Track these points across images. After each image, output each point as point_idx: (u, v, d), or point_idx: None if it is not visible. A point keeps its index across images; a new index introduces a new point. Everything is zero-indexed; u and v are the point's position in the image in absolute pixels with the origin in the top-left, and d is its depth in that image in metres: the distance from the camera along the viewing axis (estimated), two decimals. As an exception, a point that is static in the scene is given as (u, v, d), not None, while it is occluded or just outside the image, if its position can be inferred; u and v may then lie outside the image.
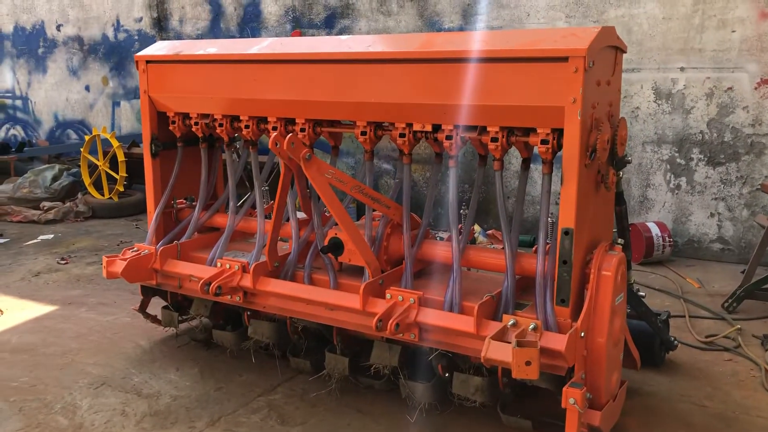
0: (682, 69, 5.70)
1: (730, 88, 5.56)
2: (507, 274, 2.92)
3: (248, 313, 3.66)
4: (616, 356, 2.93)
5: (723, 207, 5.76)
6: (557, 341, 2.59)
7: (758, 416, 3.19)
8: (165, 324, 4.02)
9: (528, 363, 2.47)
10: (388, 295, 2.97)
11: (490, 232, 6.37)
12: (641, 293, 3.53)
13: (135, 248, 3.78)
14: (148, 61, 3.75)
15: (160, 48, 3.79)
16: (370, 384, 3.41)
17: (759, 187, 5.55)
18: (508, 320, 2.70)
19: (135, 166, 7.85)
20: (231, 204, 3.78)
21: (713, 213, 5.81)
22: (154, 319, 4.09)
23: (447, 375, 3.10)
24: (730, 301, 4.55)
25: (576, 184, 2.64)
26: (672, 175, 5.91)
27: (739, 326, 4.17)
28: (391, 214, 3.28)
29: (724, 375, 3.63)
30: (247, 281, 3.35)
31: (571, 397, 2.54)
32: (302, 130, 3.35)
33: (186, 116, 3.77)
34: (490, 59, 2.77)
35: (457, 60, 2.83)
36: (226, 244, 3.70)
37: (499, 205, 2.97)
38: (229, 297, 3.44)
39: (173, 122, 3.80)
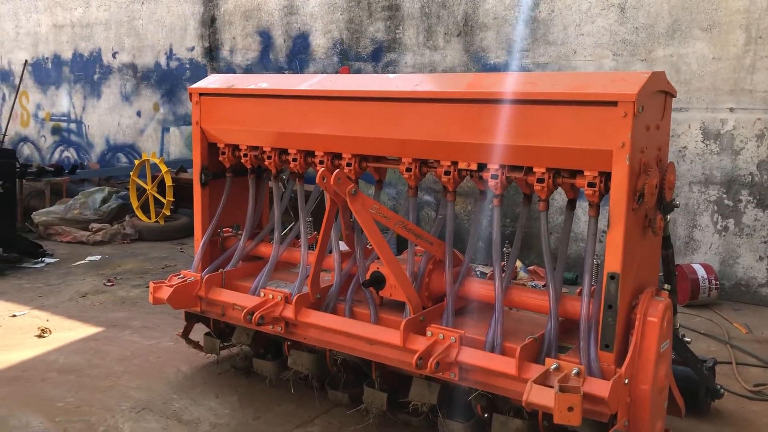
0: (731, 109, 5.63)
1: (781, 130, 5.47)
2: (550, 317, 2.90)
3: (288, 343, 3.69)
4: (661, 404, 2.87)
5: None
6: (601, 387, 2.56)
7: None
8: (207, 350, 4.07)
9: (570, 409, 2.44)
10: (429, 333, 2.97)
11: (531, 268, 6.33)
12: (686, 338, 3.46)
13: (181, 275, 3.85)
14: (201, 94, 3.86)
15: (213, 81, 3.91)
16: (408, 421, 3.40)
17: (811, 231, 5.41)
18: (551, 364, 2.68)
19: (182, 191, 8.05)
20: (276, 234, 3.84)
21: (762, 256, 5.68)
22: (196, 345, 4.15)
23: (486, 416, 3.08)
24: (779, 349, 4.43)
25: (623, 228, 2.62)
26: (719, 217, 5.80)
27: (788, 376, 4.05)
28: (433, 250, 3.29)
29: (772, 427, 3.52)
30: (289, 312, 3.39)
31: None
32: (348, 164, 3.40)
33: (236, 148, 3.86)
34: (537, 101, 2.79)
35: (504, 101, 2.86)
36: (269, 274, 3.76)
37: (543, 246, 2.96)
38: (270, 327, 3.48)
39: (223, 153, 3.89)
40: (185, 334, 4.10)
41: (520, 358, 2.73)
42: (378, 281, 3.33)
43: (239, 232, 4.15)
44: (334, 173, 2.95)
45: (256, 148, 3.77)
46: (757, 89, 5.53)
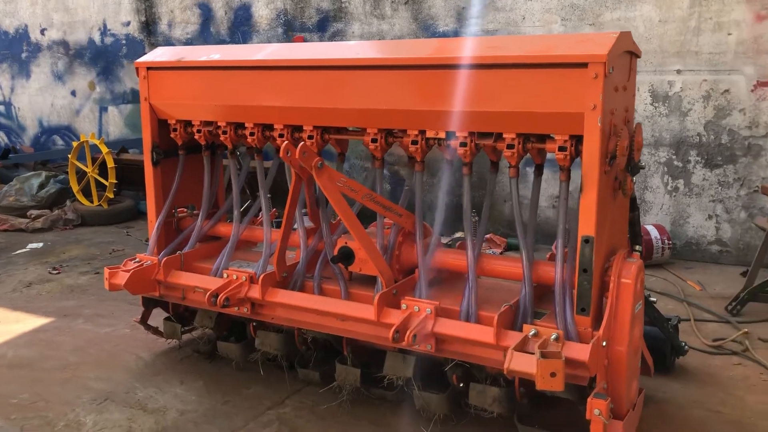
0: (678, 72, 5.71)
1: (726, 91, 5.58)
2: (525, 283, 2.87)
3: (254, 324, 3.58)
4: (635, 364, 2.90)
5: (721, 209, 5.77)
6: (580, 351, 2.55)
7: (773, 423, 3.17)
8: (167, 336, 3.93)
9: (553, 374, 2.42)
10: (403, 306, 2.92)
11: (488, 236, 6.34)
12: (652, 298, 3.51)
13: (137, 259, 3.69)
14: (149, 68, 3.67)
15: (161, 54, 3.71)
16: (382, 395, 3.35)
17: (756, 188, 5.57)
18: (529, 330, 2.66)
19: (124, 172, 7.76)
20: (235, 212, 3.71)
21: (711, 215, 5.82)
22: (155, 330, 4.00)
23: (462, 385, 3.05)
24: (734, 304, 4.55)
25: (596, 191, 2.61)
26: (669, 178, 5.91)
27: (746, 330, 4.16)
28: (402, 222, 3.22)
29: (734, 380, 3.61)
30: (255, 292, 3.28)
31: (596, 408, 2.50)
32: (310, 137, 3.29)
33: (188, 124, 3.69)
34: (505, 65, 2.73)
35: (471, 66, 2.79)
36: (230, 254, 3.63)
37: (515, 212, 2.93)
38: (236, 309, 3.37)
39: (174, 130, 3.72)
40: (143, 321, 3.95)
41: (498, 325, 2.70)
42: (347, 256, 3.25)
43: (194, 212, 4.00)
44: (299, 146, 2.83)
45: (210, 123, 3.62)
46: (703, 51, 5.61)
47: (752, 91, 5.49)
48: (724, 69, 5.56)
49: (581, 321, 2.70)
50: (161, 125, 3.77)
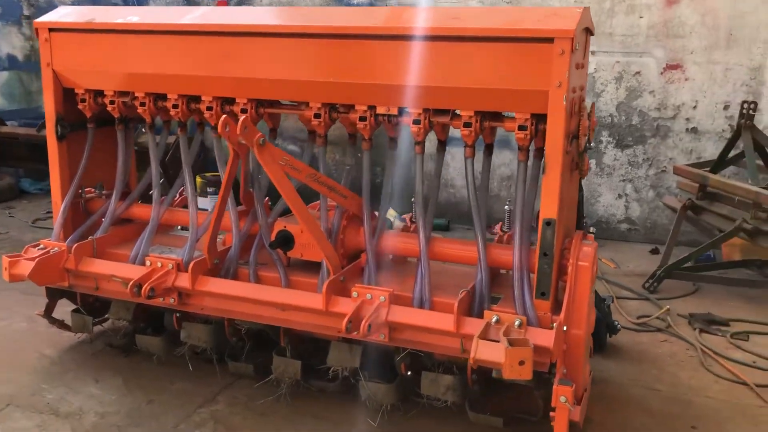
0: (593, 53, 5.79)
1: (638, 73, 5.72)
2: (480, 267, 2.76)
3: (177, 315, 3.28)
4: (587, 347, 2.87)
5: (630, 188, 5.95)
6: (545, 337, 2.48)
7: (707, 396, 3.26)
8: (76, 329, 3.55)
9: (522, 363, 2.33)
10: (354, 293, 2.74)
11: (404, 216, 6.22)
12: (590, 279, 3.50)
13: (41, 245, 3.28)
14: (52, 29, 3.24)
15: (67, 14, 3.29)
16: (323, 387, 3.16)
17: (664, 168, 5.77)
18: (490, 317, 2.56)
19: (2, 146, 7.05)
20: (155, 193, 3.37)
21: (621, 194, 5.99)
22: (61, 324, 3.59)
23: (410, 374, 2.92)
24: (651, 281, 4.68)
25: (560, 172, 2.52)
26: (582, 157, 6.01)
27: (668, 307, 4.28)
28: (347, 204, 3.03)
29: (664, 356, 3.69)
30: (184, 281, 3.00)
31: (562, 395, 2.43)
32: (243, 111, 3.02)
33: (99, 94, 3.31)
34: (464, 38, 2.57)
35: (429, 38, 2.62)
36: (150, 239, 3.30)
37: (470, 194, 2.81)
38: (161, 299, 3.06)
39: (83, 100, 3.32)
40: (48, 313, 3.53)
41: (458, 313, 2.58)
42: (286, 241, 3.03)
43: (104, 192, 3.62)
44: (241, 120, 2.56)
45: (126, 93, 3.25)
46: (616, 32, 5.72)
47: (662, 73, 5.66)
48: (636, 51, 5.69)
49: (541, 305, 2.63)
50: (67, 95, 3.35)
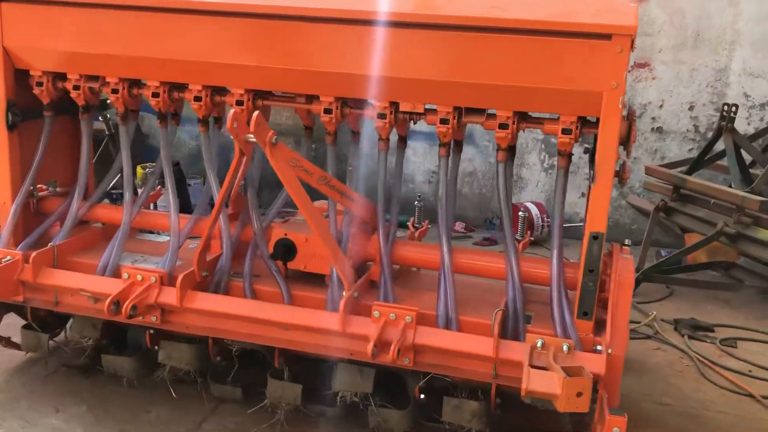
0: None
1: (605, 70, 5.63)
2: (513, 283, 2.52)
3: (151, 332, 2.88)
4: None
5: (593, 187, 5.87)
6: (596, 363, 2.27)
7: (718, 411, 3.16)
8: (27, 348, 3.08)
9: (579, 394, 2.10)
10: (375, 313, 2.43)
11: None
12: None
13: (-10, 255, 2.80)
14: (3, 0, 2.74)
15: (20, -18, 2.80)
16: (322, 412, 2.86)
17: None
18: (534, 340, 2.31)
19: None
20: (127, 194, 2.94)
21: (584, 193, 5.90)
22: (8, 342, 3.11)
23: (422, 397, 2.66)
24: (629, 284, 4.59)
25: (611, 181, 2.32)
26: (546, 155, 5.91)
27: (654, 313, 4.20)
28: (357, 210, 2.72)
29: (662, 367, 3.60)
30: (170, 297, 2.60)
31: (616, 427, 2.22)
32: (239, 103, 2.65)
33: (59, 77, 2.84)
34: (508, 30, 2.30)
35: (467, 29, 2.33)
36: (122, 246, 2.87)
37: (501, 198, 2.57)
38: (140, 318, 2.65)
39: (39, 84, 2.84)
40: (-7, 331, 3.05)
41: (497, 335, 2.33)
42: (288, 251, 2.69)
43: (58, 190, 3.16)
44: (255, 116, 2.20)
45: (95, 78, 2.80)
46: (584, 28, 5.60)
47: (629, 71, 5.59)
48: (604, 48, 5.59)
49: (583, 326, 2.41)
50: (18, 77, 2.87)
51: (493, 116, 2.45)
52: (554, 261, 2.48)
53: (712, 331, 4.06)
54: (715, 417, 3.10)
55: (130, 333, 3.03)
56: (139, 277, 2.64)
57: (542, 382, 2.13)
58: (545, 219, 5.65)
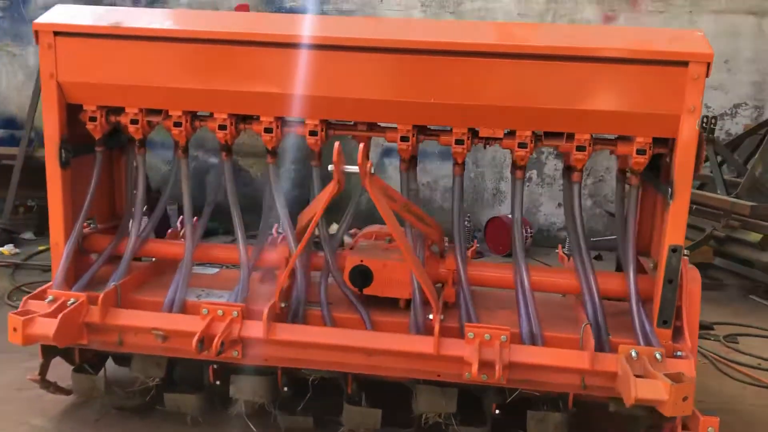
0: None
1: (578, 86, 5.90)
2: (593, 298, 2.65)
3: (215, 367, 2.84)
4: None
5: (569, 197, 6.13)
6: (687, 368, 2.41)
7: (750, 405, 3.39)
8: (80, 392, 2.96)
9: (685, 398, 2.25)
10: (470, 334, 2.50)
11: (352, 231, 5.96)
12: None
13: (49, 296, 2.68)
14: (57, 33, 2.65)
15: (74, 15, 2.71)
16: (392, 434, 2.89)
17: (601, 178, 6.01)
18: (627, 351, 2.44)
19: None
20: (188, 227, 2.89)
21: (560, 203, 6.15)
22: (56, 388, 2.98)
23: (498, 412, 2.75)
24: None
25: (688, 198, 2.47)
26: (524, 168, 6.11)
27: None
28: (431, 234, 2.78)
29: (683, 366, 3.80)
30: (255, 331, 2.58)
31: (710, 426, 2.38)
32: (313, 133, 2.67)
33: (112, 112, 2.78)
34: (588, 58, 2.44)
35: (546, 57, 2.46)
36: (187, 281, 2.82)
37: (577, 221, 2.69)
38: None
39: (93, 119, 2.77)
40: (43, 376, 2.91)
41: (591, 349, 2.44)
42: (364, 277, 2.72)
43: (98, 227, 3.07)
44: (361, 148, 2.24)
45: (155, 112, 2.75)
46: (557, 46, 5.86)
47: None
48: (577, 65, 5.87)
49: (663, 334, 2.56)
50: (69, 113, 2.78)
51: (571, 138, 2.57)
52: (631, 275, 2.62)
53: (713, 328, 4.34)
54: (751, 410, 3.32)
55: (178, 370, 2.97)
56: (220, 312, 2.60)
57: (649, 390, 2.26)
58: (528, 230, 5.85)
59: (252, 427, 2.84)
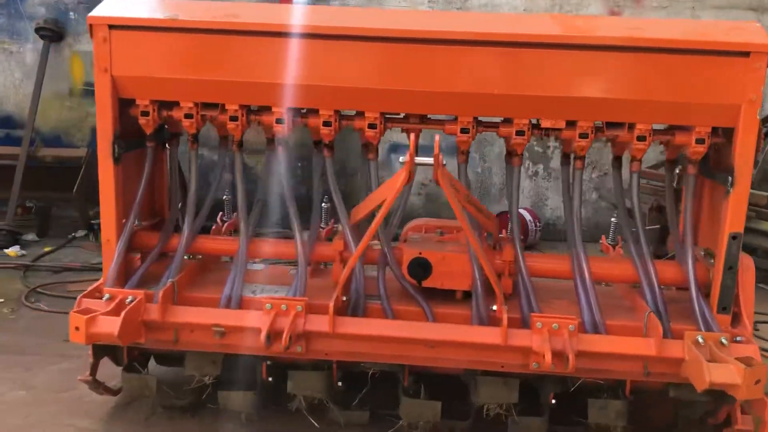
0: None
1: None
2: (653, 286, 2.68)
3: (268, 363, 2.82)
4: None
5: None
6: (751, 352, 2.46)
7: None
8: (131, 392, 2.92)
9: (757, 381, 2.30)
10: (538, 324, 2.52)
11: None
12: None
13: (106, 294, 2.63)
14: (112, 27, 2.60)
15: (128, 7, 2.66)
16: (452, 426, 2.89)
17: (606, 172, 6.09)
18: (693, 336, 2.48)
19: None
20: (242, 224, 2.87)
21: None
22: (105, 388, 2.93)
23: (554, 402, 2.77)
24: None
25: (748, 186, 2.52)
26: (530, 163, 6.17)
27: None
28: (488, 225, 2.80)
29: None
30: (321, 325, 2.57)
31: (776, 409, 2.44)
32: (372, 126, 2.67)
33: (164, 106, 2.74)
34: (653, 49, 2.48)
35: (612, 48, 2.49)
36: (242, 277, 2.80)
37: (634, 206, 2.73)
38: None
39: (145, 113, 2.72)
40: (93, 376, 2.85)
41: (661, 336, 2.48)
42: (424, 269, 2.73)
43: (143, 223, 3.03)
44: (436, 140, 2.24)
45: (212, 106, 2.72)
46: (563, 42, 5.93)
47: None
48: (582, 60, 5.94)
49: (722, 320, 2.61)
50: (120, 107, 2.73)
51: (632, 128, 2.61)
52: (689, 263, 2.66)
53: (731, 317, 4.42)
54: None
55: (226, 368, 2.94)
56: (284, 307, 2.58)
57: (723, 374, 2.31)
58: (537, 224, 5.91)
59: (314, 423, 2.82)
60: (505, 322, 2.50)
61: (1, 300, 4.31)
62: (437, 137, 2.27)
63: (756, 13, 5.84)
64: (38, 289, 4.50)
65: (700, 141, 2.57)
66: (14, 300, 4.32)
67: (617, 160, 2.88)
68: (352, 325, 2.60)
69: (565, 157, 2.83)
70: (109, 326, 2.46)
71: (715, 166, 2.75)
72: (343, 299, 2.69)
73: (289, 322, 2.53)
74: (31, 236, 5.71)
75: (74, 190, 5.47)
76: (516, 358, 2.57)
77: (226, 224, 3.24)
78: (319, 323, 2.57)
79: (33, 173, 5.67)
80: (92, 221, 5.65)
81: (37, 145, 5.75)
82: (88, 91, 6.10)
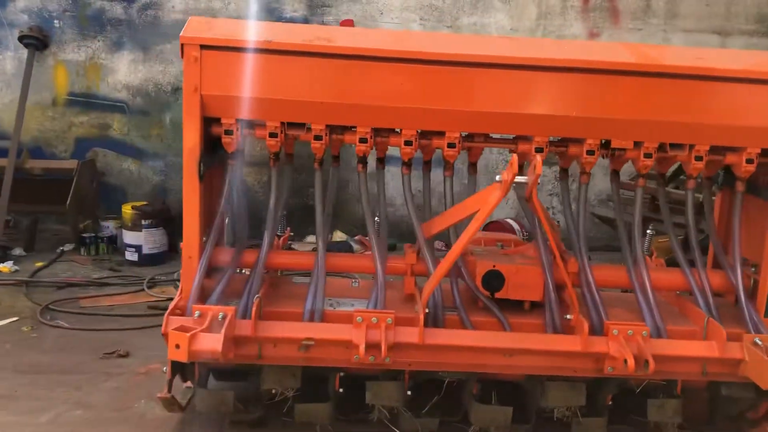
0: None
1: (566, 97, 6.28)
2: (703, 293, 2.93)
3: (341, 374, 2.90)
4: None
5: (557, 201, 6.51)
6: (802, 353, 2.73)
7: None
8: (207, 409, 2.91)
9: (806, 378, 2.57)
10: (614, 331, 2.71)
11: (357, 237, 6.07)
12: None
13: (197, 312, 2.65)
14: (204, 47, 2.64)
15: (221, 30, 2.70)
16: (517, 430, 3.05)
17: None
18: (751, 339, 2.73)
19: None
20: (320, 242, 2.94)
21: (549, 207, 6.52)
22: (179, 407, 2.93)
23: (610, 403, 2.98)
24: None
25: (794, 201, 2.81)
26: (515, 175, 6.42)
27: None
28: (557, 239, 2.98)
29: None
30: (411, 336, 2.68)
31: (822, 404, 2.72)
32: (451, 145, 2.83)
33: (248, 125, 2.80)
34: (715, 78, 2.73)
35: (676, 77, 2.73)
36: (323, 291, 2.88)
37: (690, 221, 2.97)
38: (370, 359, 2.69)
39: (229, 132, 2.77)
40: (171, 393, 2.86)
41: (724, 339, 2.72)
42: (499, 281, 2.88)
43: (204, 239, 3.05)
44: (537, 161, 2.42)
45: (298, 125, 2.79)
46: (546, 60, 6.22)
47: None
48: (565, 77, 6.25)
49: (768, 323, 2.88)
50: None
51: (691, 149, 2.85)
52: (738, 271, 2.92)
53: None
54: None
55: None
56: (374, 320, 2.68)
57: (786, 373, 2.56)
58: (525, 234, 6.15)
59: (395, 430, 2.92)
60: (585, 329, 2.68)
61: (16, 318, 4.18)
62: (538, 157, 2.43)
63: (720, 37, 6.30)
64: (50, 306, 4.38)
65: (749, 161, 2.84)
66: (29, 318, 4.20)
67: (661, 178, 3.11)
68: (440, 337, 2.72)
69: (563, 172, 3.07)
70: (212, 343, 2.48)
71: (754, 182, 3.03)
72: (427, 311, 2.80)
73: (382, 334, 2.63)
74: (18, 251, 5.52)
75: (67, 204, 5.32)
76: (588, 363, 2.75)
77: (281, 238, 3.30)
78: (409, 335, 2.68)
79: (20, 185, 5.47)
80: (83, 234, 5.50)
81: (24, 156, 5.56)
82: (73, 101, 5.94)
